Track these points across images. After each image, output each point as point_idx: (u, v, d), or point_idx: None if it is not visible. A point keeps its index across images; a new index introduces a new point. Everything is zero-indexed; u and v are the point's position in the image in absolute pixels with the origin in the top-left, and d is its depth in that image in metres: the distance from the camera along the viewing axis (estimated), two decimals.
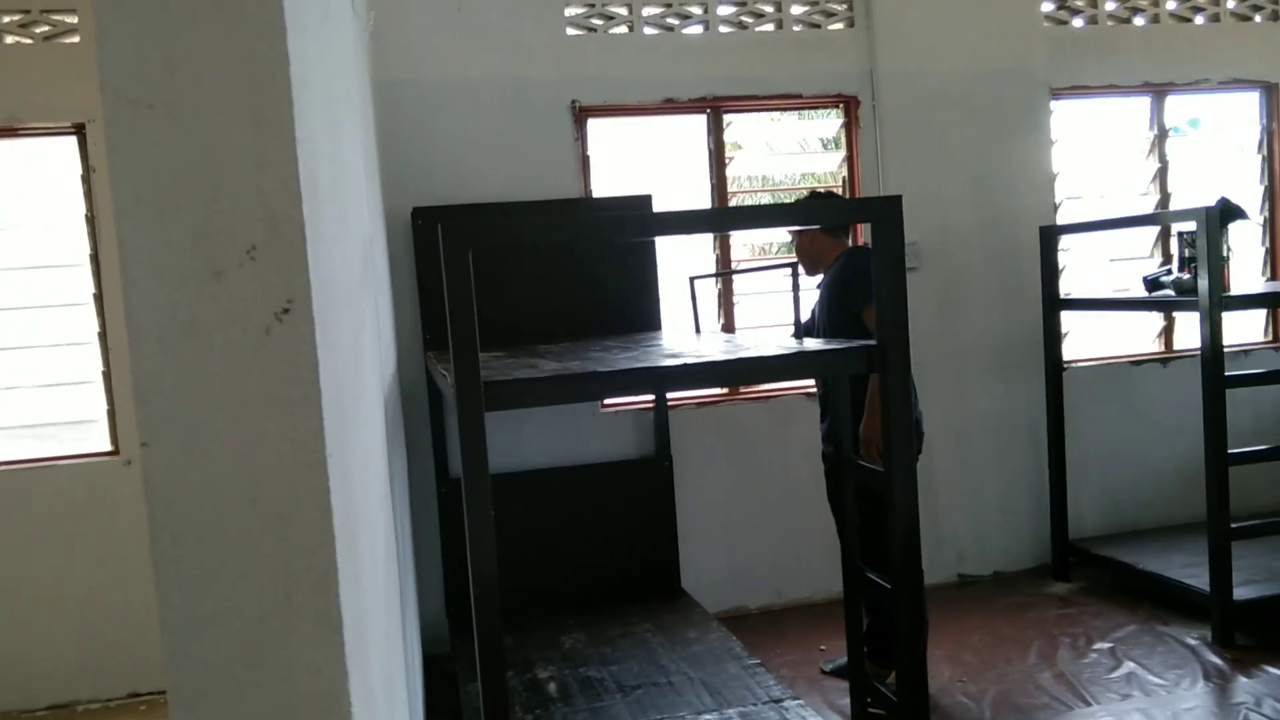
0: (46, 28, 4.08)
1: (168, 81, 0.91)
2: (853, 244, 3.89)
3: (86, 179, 4.13)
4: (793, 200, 4.29)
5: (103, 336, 4.17)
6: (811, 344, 2.77)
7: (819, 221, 3.33)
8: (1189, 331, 5.34)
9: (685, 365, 2.44)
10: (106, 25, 0.90)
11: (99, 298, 4.16)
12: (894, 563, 2.57)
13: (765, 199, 6.48)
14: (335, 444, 1.00)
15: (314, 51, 1.21)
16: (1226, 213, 4.03)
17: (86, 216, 4.15)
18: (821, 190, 4.06)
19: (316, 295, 0.96)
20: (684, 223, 2.64)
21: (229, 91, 0.92)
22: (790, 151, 5.73)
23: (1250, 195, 5.38)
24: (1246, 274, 5.30)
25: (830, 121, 5.20)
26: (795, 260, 3.41)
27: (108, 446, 4.22)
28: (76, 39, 4.08)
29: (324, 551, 0.95)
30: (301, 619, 0.95)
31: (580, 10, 4.62)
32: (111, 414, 4.19)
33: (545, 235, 2.77)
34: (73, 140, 4.13)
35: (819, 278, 3.85)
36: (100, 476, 4.16)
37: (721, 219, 3.37)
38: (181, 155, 0.92)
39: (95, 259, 4.14)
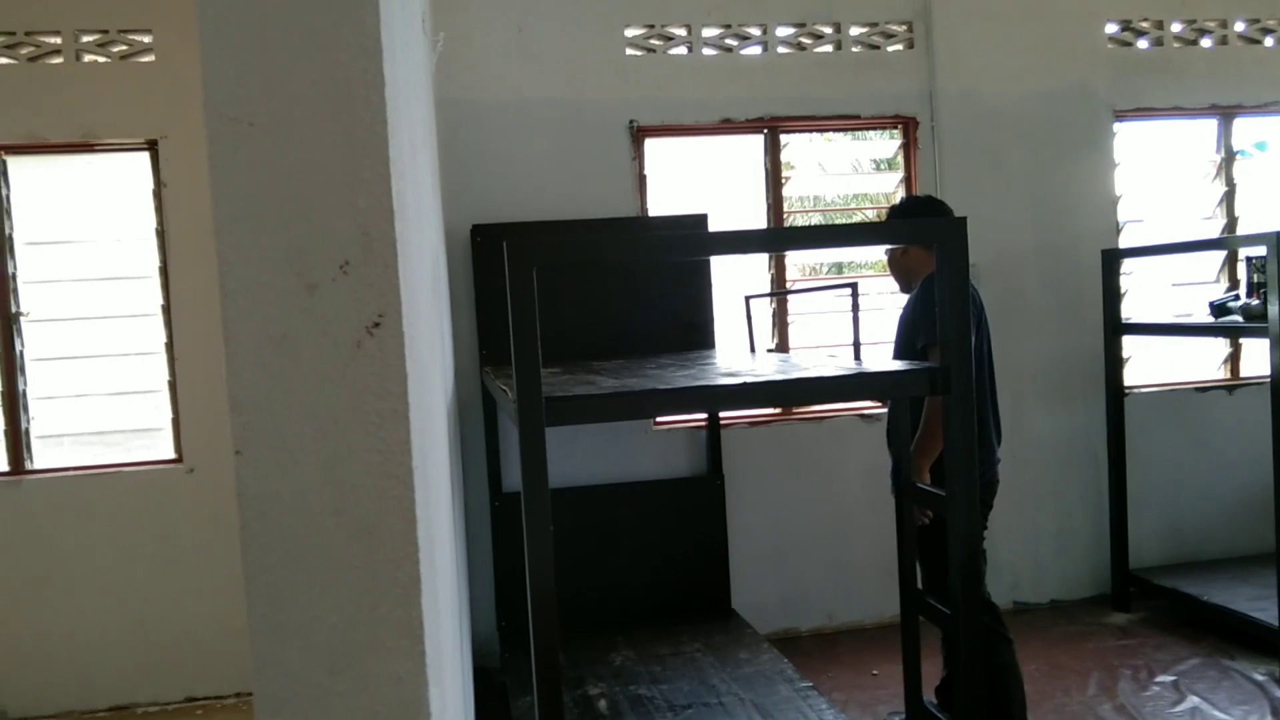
0: (123, 47, 4.20)
1: (268, 101, 0.93)
2: None
3: (158, 194, 4.24)
4: (867, 218, 4.24)
5: (170, 347, 4.27)
6: (871, 365, 2.75)
7: (881, 242, 3.31)
8: (1256, 359, 5.22)
9: (745, 384, 2.44)
10: (210, 46, 0.93)
11: (167, 309, 4.26)
12: (953, 587, 2.54)
13: (818, 219, 6.47)
14: (419, 457, 1.02)
15: (401, 73, 1.24)
16: None
17: (157, 230, 4.26)
18: (922, 197, 3.79)
19: (405, 310, 0.98)
20: (746, 242, 2.64)
21: (326, 111, 0.94)
22: (842, 172, 5.71)
23: None
24: None
25: (885, 142, 5.18)
26: (853, 281, 3.38)
27: (171, 454, 4.31)
28: (152, 57, 4.20)
29: (408, 563, 0.97)
30: (385, 629, 0.97)
31: (639, 31, 4.65)
32: (176, 422, 4.29)
33: (611, 254, 2.79)
34: (145, 156, 4.25)
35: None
36: (164, 484, 4.26)
37: (785, 239, 3.36)
38: (279, 172, 0.94)
39: (164, 271, 4.25)
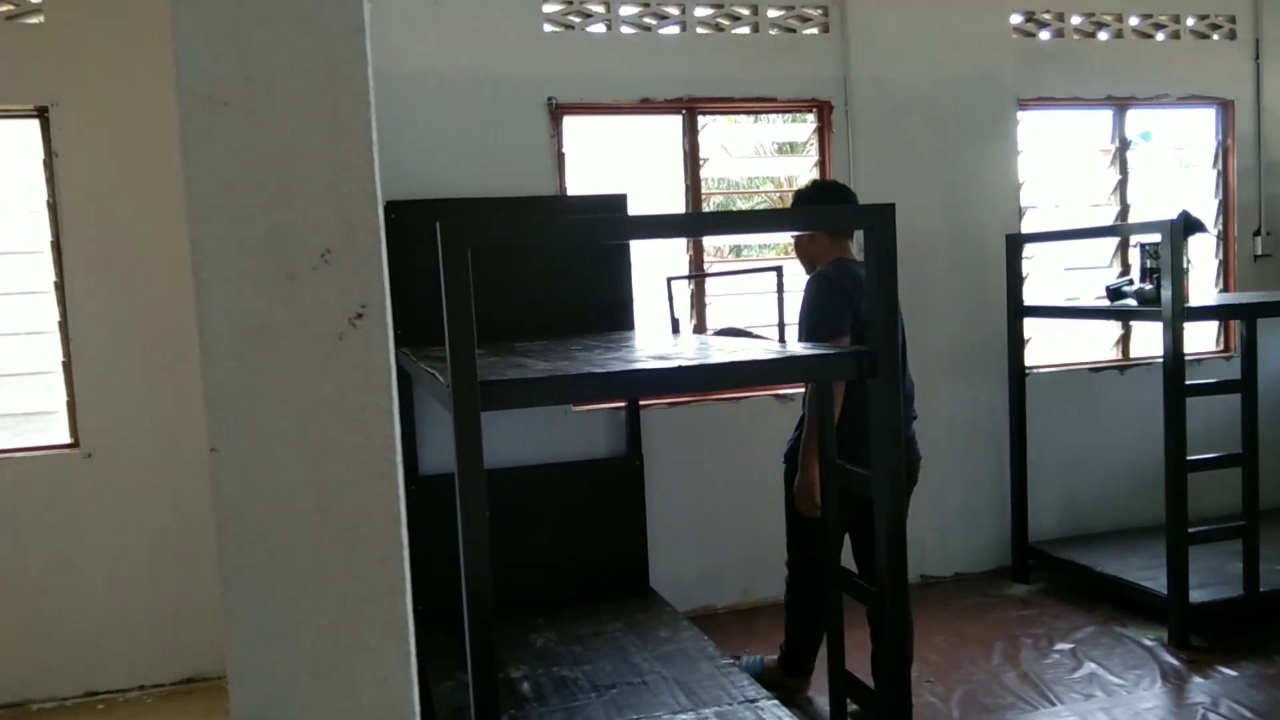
0: (9, 6, 3.94)
1: (245, 80, 0.88)
2: (843, 255, 3.59)
3: (49, 164, 4.01)
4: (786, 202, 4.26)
5: (63, 325, 4.05)
6: (800, 348, 2.78)
7: (811, 229, 3.35)
8: (1145, 340, 5.48)
9: (681, 368, 2.44)
10: (182, 20, 0.87)
11: (60, 286, 4.04)
12: (880, 564, 2.60)
13: (738, 201, 6.52)
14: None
15: None
16: (1188, 226, 4.14)
17: (48, 203, 4.03)
18: (828, 182, 3.89)
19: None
20: (679, 226, 2.64)
21: (307, 91, 0.89)
22: (760, 155, 5.76)
23: (1204, 208, 5.53)
24: (1201, 286, 5.45)
25: (797, 127, 5.25)
26: (778, 264, 3.41)
27: (67, 439, 4.10)
28: (40, 19, 3.95)
29: (393, 561, 0.94)
30: (370, 630, 0.93)
31: (558, 8, 4.59)
32: (71, 405, 4.08)
33: (549, 236, 2.75)
34: (35, 123, 4.01)
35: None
36: (59, 470, 4.05)
37: (716, 223, 3.36)
38: (257, 155, 0.89)
39: (57, 246, 4.03)
